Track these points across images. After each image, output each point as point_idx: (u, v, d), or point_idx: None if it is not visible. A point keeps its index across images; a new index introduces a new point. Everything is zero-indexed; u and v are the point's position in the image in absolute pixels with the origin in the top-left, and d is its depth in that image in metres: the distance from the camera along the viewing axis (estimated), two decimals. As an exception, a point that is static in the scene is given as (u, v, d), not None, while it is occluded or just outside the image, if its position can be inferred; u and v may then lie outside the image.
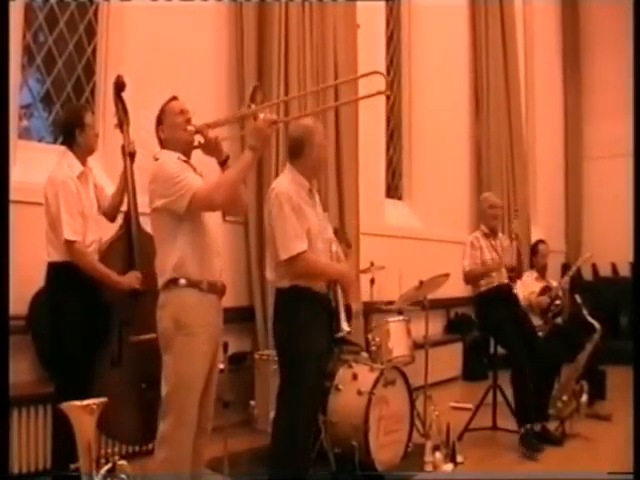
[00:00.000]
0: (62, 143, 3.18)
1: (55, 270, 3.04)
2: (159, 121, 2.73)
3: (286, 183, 2.97)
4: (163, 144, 2.72)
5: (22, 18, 3.86)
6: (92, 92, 4.31)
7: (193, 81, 4.44)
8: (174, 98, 2.76)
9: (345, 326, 2.96)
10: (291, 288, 2.90)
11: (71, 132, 3.12)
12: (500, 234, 4.80)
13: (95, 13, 4.33)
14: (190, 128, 2.68)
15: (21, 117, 4.04)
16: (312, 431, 3.03)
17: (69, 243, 2.97)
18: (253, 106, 2.57)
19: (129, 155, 3.37)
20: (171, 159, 2.62)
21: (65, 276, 3.01)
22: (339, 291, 3.04)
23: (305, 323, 2.88)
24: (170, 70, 4.39)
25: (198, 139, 2.72)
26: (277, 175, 4.77)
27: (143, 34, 4.31)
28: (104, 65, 4.27)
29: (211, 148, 2.72)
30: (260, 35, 4.89)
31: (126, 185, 3.34)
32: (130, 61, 4.17)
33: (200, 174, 2.72)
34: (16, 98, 3.80)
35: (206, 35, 4.78)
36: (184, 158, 2.67)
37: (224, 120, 2.82)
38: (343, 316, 2.98)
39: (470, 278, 4.56)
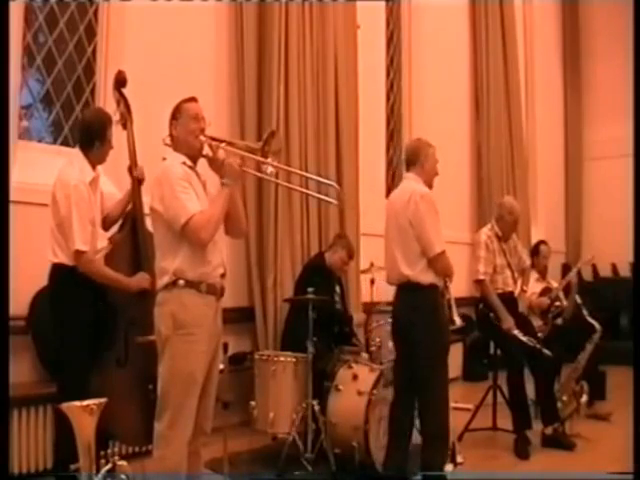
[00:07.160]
0: (79, 146, 3.09)
1: (61, 272, 2.99)
2: (173, 116, 2.71)
3: (424, 188, 3.31)
4: (173, 141, 2.72)
5: (22, 18, 3.86)
6: (92, 92, 4.31)
7: (193, 81, 4.44)
8: (193, 99, 2.73)
9: (458, 320, 3.33)
10: (431, 285, 3.25)
11: (91, 141, 3.06)
12: (513, 237, 4.66)
13: (95, 13, 4.33)
14: (202, 138, 2.68)
15: (21, 117, 4.03)
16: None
17: (79, 253, 2.92)
18: (266, 148, 2.67)
19: (137, 181, 3.28)
20: (176, 166, 2.61)
21: (72, 278, 2.97)
22: (450, 286, 3.34)
23: (444, 321, 3.30)
24: (170, 70, 4.39)
25: (207, 151, 2.71)
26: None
27: (143, 34, 4.31)
28: (104, 65, 4.27)
29: (216, 166, 2.71)
30: (260, 35, 4.89)
31: (129, 204, 3.27)
32: (130, 61, 4.16)
33: (204, 182, 2.72)
34: (16, 98, 3.79)
35: (206, 35, 4.78)
36: (190, 163, 2.66)
37: (236, 144, 2.82)
38: (455, 309, 3.33)
39: (482, 288, 4.42)
